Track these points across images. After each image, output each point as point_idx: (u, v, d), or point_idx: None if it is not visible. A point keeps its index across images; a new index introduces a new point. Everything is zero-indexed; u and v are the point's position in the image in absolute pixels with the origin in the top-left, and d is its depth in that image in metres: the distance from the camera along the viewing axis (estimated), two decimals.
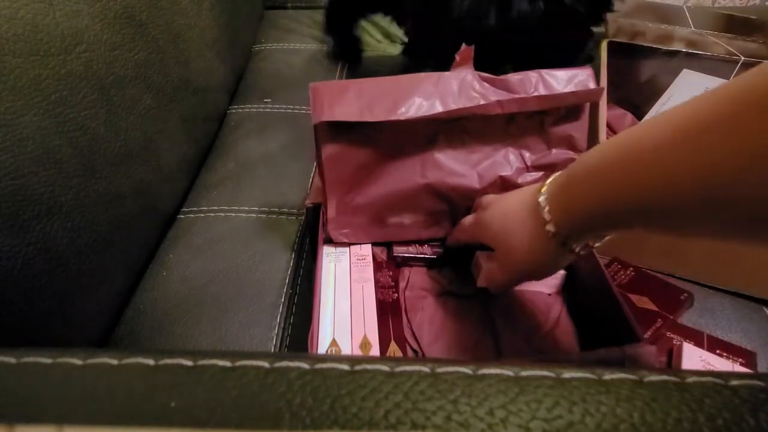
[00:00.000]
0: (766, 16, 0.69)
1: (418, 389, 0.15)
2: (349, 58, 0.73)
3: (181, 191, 0.50)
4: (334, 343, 0.32)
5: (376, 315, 0.35)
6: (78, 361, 0.15)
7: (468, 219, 0.36)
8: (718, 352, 0.36)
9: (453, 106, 0.35)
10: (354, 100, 0.34)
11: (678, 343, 0.36)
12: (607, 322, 0.34)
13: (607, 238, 0.28)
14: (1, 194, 0.27)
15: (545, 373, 0.15)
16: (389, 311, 0.36)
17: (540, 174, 0.40)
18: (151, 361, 0.16)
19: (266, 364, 0.15)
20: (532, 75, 0.37)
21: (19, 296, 0.28)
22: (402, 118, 0.34)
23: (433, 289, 0.39)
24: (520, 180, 0.40)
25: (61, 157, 0.31)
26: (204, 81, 0.54)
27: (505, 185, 0.39)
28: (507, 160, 0.40)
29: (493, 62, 0.42)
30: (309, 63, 0.72)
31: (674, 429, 0.13)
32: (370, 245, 0.40)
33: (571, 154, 0.40)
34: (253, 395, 0.14)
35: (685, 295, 0.40)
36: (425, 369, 0.15)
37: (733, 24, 0.66)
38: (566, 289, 0.40)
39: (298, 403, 0.14)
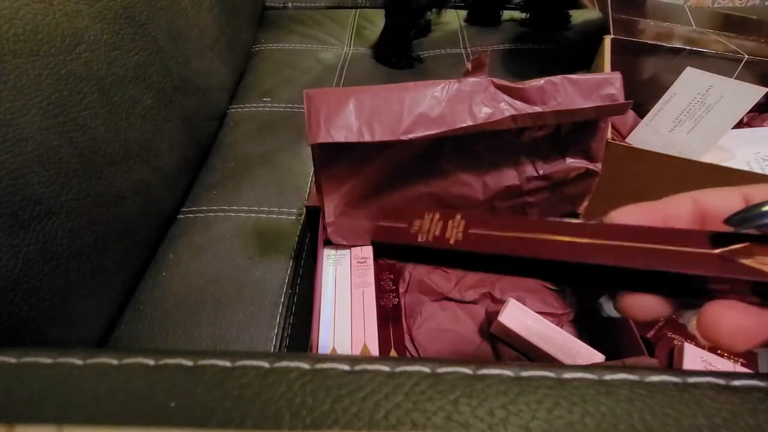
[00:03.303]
0: (766, 15, 0.69)
1: (419, 389, 0.14)
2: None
3: (180, 191, 0.50)
4: (333, 352, 0.32)
5: (376, 323, 0.34)
6: (78, 361, 0.15)
7: None
8: (719, 352, 0.36)
9: (461, 124, 0.32)
10: (352, 115, 0.31)
11: (679, 343, 0.36)
12: (610, 330, 0.34)
13: None
14: (1, 194, 0.27)
15: (545, 373, 0.15)
16: (390, 318, 0.36)
17: (547, 182, 0.39)
18: (151, 361, 0.15)
19: (266, 364, 0.15)
20: (555, 80, 0.33)
21: (19, 296, 0.28)
22: (404, 138, 0.31)
23: (432, 295, 0.39)
24: (526, 187, 0.39)
25: (61, 157, 0.31)
26: (204, 81, 0.54)
27: (510, 193, 0.39)
28: (516, 170, 0.38)
29: None
30: (309, 63, 0.72)
31: (674, 429, 0.13)
32: (371, 247, 0.40)
33: (585, 163, 0.38)
34: (253, 395, 0.14)
35: None
36: (425, 369, 0.15)
37: (733, 23, 0.66)
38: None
39: (298, 403, 0.14)
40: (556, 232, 0.18)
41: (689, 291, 0.16)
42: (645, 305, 0.18)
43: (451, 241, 0.19)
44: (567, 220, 0.19)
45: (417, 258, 0.21)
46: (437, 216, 0.20)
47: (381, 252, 0.21)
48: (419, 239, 0.20)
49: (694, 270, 0.16)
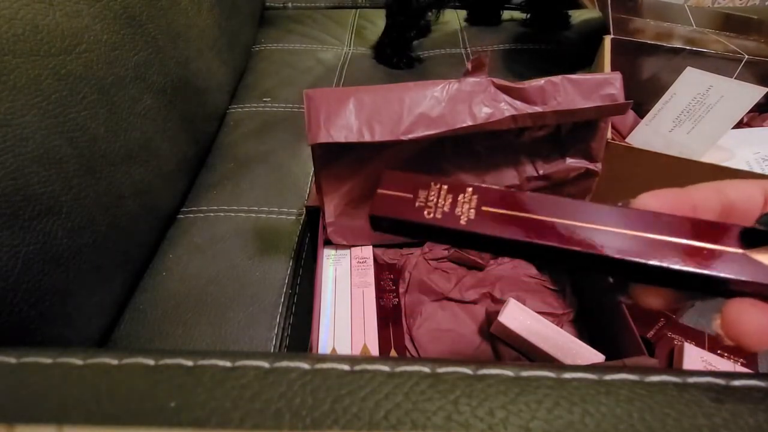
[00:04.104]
0: (766, 15, 0.69)
1: (419, 389, 0.14)
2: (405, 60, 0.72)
3: (180, 191, 0.50)
4: (333, 352, 0.32)
5: (376, 323, 0.34)
6: (78, 361, 0.15)
7: None
8: (719, 352, 0.36)
9: (461, 124, 0.32)
10: (352, 115, 0.31)
11: (679, 343, 0.36)
12: (610, 330, 0.34)
13: None
14: (1, 194, 0.27)
15: (545, 373, 0.15)
16: (390, 318, 0.36)
17: (547, 182, 0.39)
18: (151, 361, 0.15)
19: (266, 364, 0.15)
20: (555, 80, 0.33)
21: (19, 296, 0.28)
22: (404, 138, 0.31)
23: (432, 295, 0.39)
24: (526, 188, 0.39)
25: (61, 157, 0.31)
26: (204, 81, 0.54)
27: None
28: (516, 169, 0.38)
29: None
30: (309, 63, 0.72)
31: (674, 429, 0.13)
32: (371, 247, 0.40)
33: (585, 163, 0.38)
34: (253, 395, 0.14)
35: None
36: (425, 369, 0.15)
37: (733, 23, 0.66)
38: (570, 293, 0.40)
39: (298, 403, 0.14)
40: (581, 216, 0.17)
41: (709, 289, 0.16)
42: (659, 296, 0.17)
43: (462, 221, 0.17)
44: (592, 203, 0.17)
45: (422, 233, 0.19)
46: (445, 188, 0.18)
47: (381, 226, 0.19)
48: (426, 215, 0.18)
49: (719, 272, 0.15)
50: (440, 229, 0.18)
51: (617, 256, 0.16)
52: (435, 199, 0.18)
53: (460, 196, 0.18)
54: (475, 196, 0.18)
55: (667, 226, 0.16)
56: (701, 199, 0.18)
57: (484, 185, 0.18)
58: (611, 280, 0.36)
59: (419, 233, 0.19)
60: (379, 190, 0.19)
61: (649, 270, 0.16)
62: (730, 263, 0.15)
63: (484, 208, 0.18)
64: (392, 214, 0.18)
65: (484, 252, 0.40)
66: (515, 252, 0.18)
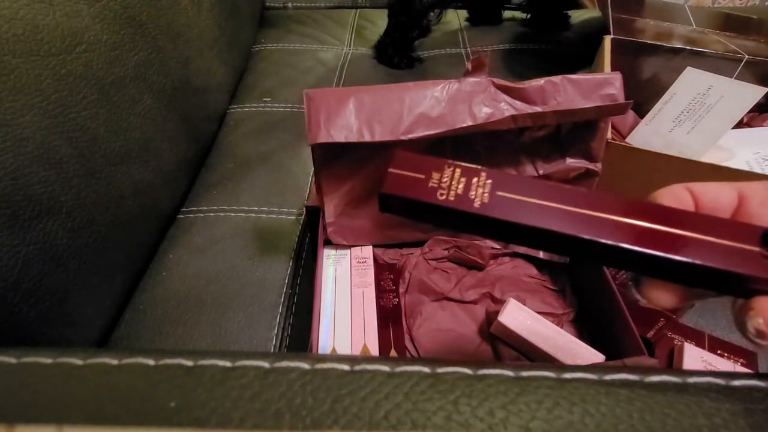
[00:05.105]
0: (766, 15, 0.69)
1: (419, 389, 0.14)
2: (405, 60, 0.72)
3: (180, 191, 0.50)
4: (333, 352, 0.32)
5: (376, 323, 0.34)
6: (78, 361, 0.15)
7: None
8: (719, 352, 0.36)
9: (461, 124, 0.32)
10: (352, 115, 0.31)
11: (679, 343, 0.36)
12: (610, 330, 0.34)
13: None
14: (1, 194, 0.27)
15: (545, 373, 0.15)
16: (390, 318, 0.36)
17: None
18: (151, 361, 0.15)
19: (266, 364, 0.15)
20: (555, 80, 0.33)
21: (19, 296, 0.28)
22: (404, 138, 0.31)
23: (432, 295, 0.39)
24: None
25: (61, 157, 0.31)
26: (204, 81, 0.54)
27: None
28: (516, 169, 0.38)
29: None
30: (309, 63, 0.72)
31: (674, 429, 0.13)
32: (371, 247, 0.40)
33: (585, 163, 0.38)
34: (253, 395, 0.14)
35: None
36: (425, 369, 0.15)
37: (733, 23, 0.66)
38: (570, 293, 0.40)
39: (298, 403, 0.14)
40: (597, 207, 0.16)
41: (725, 287, 0.16)
42: (669, 293, 0.17)
43: (476, 204, 0.17)
44: (608, 193, 0.17)
45: (433, 216, 0.18)
46: (459, 170, 0.18)
47: (391, 207, 0.19)
48: (439, 197, 0.17)
49: (735, 267, 0.15)
50: (453, 211, 0.17)
51: (636, 248, 0.16)
52: (448, 181, 0.18)
53: (474, 180, 0.18)
54: (489, 181, 0.18)
55: (688, 222, 0.16)
56: (674, 201, 0.18)
57: (500, 171, 0.18)
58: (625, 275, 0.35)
59: (430, 215, 0.18)
60: (391, 169, 0.18)
61: (673, 265, 0.16)
62: (750, 262, 0.15)
63: (498, 193, 0.17)
64: (404, 193, 0.18)
65: (494, 239, 0.39)
66: (528, 240, 0.17)
